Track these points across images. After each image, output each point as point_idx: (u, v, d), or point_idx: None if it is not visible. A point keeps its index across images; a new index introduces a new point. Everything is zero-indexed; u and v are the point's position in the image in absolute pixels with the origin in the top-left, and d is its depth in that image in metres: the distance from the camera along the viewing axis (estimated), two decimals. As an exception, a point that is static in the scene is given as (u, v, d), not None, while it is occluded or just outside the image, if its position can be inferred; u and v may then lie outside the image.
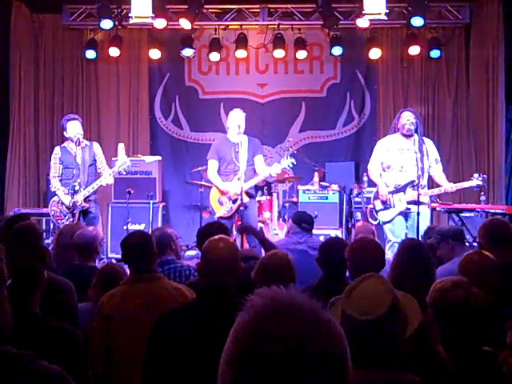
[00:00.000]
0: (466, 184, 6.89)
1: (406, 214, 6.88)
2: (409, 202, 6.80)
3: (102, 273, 3.92)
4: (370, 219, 7.23)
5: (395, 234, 6.79)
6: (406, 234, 6.85)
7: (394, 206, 6.89)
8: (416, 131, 6.75)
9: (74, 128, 7.16)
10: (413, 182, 6.70)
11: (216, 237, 2.98)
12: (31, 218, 5.46)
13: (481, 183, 6.77)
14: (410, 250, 4.03)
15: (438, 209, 7.82)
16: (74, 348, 2.47)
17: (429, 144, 6.99)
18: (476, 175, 6.85)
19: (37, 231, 4.41)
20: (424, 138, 6.96)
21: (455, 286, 2.78)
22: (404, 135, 6.91)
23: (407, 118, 6.84)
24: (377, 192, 7.07)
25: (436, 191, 6.90)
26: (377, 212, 7.04)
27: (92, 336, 3.32)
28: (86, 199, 7.07)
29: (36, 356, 1.71)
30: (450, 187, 6.83)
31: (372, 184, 7.61)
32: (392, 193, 6.91)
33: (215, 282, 2.80)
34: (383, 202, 6.95)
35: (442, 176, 7.00)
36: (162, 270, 4.35)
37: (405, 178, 6.86)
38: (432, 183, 7.31)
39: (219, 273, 2.79)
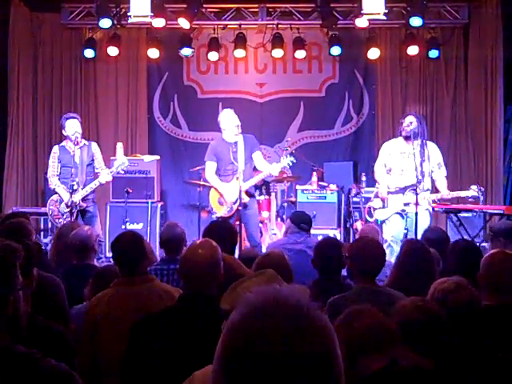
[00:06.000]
0: (462, 193, 6.96)
1: (404, 215, 6.96)
2: (406, 204, 6.89)
3: (98, 273, 3.90)
4: (367, 216, 7.31)
5: (390, 233, 6.92)
6: (406, 234, 6.91)
7: (389, 206, 7.02)
8: (420, 135, 6.84)
9: (72, 127, 7.15)
10: (413, 185, 6.77)
11: (198, 241, 2.97)
12: (29, 217, 5.43)
13: (477, 194, 6.84)
14: (413, 252, 4.05)
15: (436, 209, 7.85)
16: (61, 347, 2.46)
17: (432, 148, 7.05)
18: (474, 187, 6.92)
19: (25, 229, 4.38)
20: (428, 142, 7.03)
21: (459, 288, 2.77)
22: (404, 138, 6.99)
23: (409, 121, 6.91)
24: (377, 191, 7.20)
25: (433, 197, 6.97)
26: (374, 210, 7.16)
27: (81, 338, 3.30)
28: (84, 198, 7.07)
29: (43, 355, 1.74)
30: (447, 194, 6.92)
31: (370, 184, 7.67)
32: (391, 193, 7.02)
33: (192, 288, 2.80)
34: (382, 201, 7.07)
35: (442, 181, 7.06)
36: (168, 268, 4.37)
37: (405, 181, 6.96)
38: (433, 187, 7.34)
39: (196, 279, 2.78)
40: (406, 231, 6.92)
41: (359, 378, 1.97)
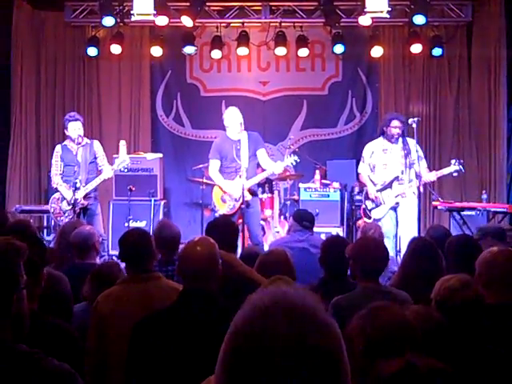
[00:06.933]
0: (445, 171, 7.19)
1: (395, 208, 7.24)
2: (397, 196, 7.19)
3: (96, 271, 3.88)
4: (364, 218, 7.41)
5: (384, 229, 7.00)
6: (397, 231, 7.20)
7: (385, 203, 7.24)
8: (403, 134, 7.20)
9: (74, 129, 7.25)
10: (397, 177, 7.17)
11: (195, 239, 2.97)
12: (32, 215, 5.46)
13: (458, 168, 7.05)
14: (421, 249, 4.03)
15: (439, 207, 7.86)
16: (70, 347, 2.46)
17: (412, 143, 7.27)
18: (453, 161, 7.16)
19: (31, 228, 4.41)
20: (407, 138, 7.26)
21: (465, 286, 2.75)
22: (390, 142, 7.29)
23: (397, 131, 7.21)
24: (366, 192, 7.44)
25: (421, 182, 7.12)
26: (369, 211, 7.37)
27: (87, 334, 3.30)
28: (86, 196, 7.11)
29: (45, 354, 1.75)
30: (432, 176, 7.15)
31: (363, 183, 7.79)
32: (380, 190, 7.28)
33: (191, 286, 2.81)
34: (373, 201, 7.32)
35: (424, 171, 7.24)
36: (166, 270, 4.33)
37: (389, 174, 7.26)
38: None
39: (195, 277, 2.79)
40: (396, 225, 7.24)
41: (376, 381, 1.95)
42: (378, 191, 7.28)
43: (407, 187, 7.10)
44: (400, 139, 7.21)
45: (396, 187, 7.19)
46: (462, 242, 4.40)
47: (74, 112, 7.67)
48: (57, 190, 7.26)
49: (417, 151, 7.19)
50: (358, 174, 7.80)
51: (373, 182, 7.38)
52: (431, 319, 2.44)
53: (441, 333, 2.41)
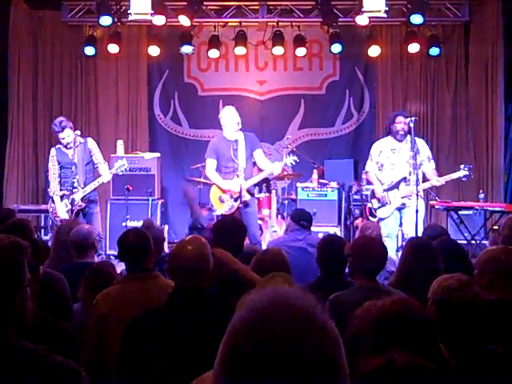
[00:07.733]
0: (453, 175, 7.19)
1: (400, 209, 7.21)
2: (404, 197, 7.15)
3: (90, 272, 3.88)
4: (370, 217, 7.38)
5: (388, 229, 7.08)
6: (403, 231, 7.16)
7: (390, 203, 7.21)
8: (409, 132, 7.06)
9: (63, 137, 7.25)
10: (405, 178, 7.12)
11: (187, 238, 2.98)
12: (30, 215, 5.46)
13: (467, 173, 7.06)
14: (419, 249, 4.04)
15: (436, 206, 7.87)
16: (66, 345, 2.47)
17: (420, 143, 7.26)
18: (462, 166, 7.16)
19: (28, 227, 4.40)
20: (416, 138, 7.17)
21: (463, 286, 2.75)
22: (397, 139, 7.27)
23: (402, 127, 7.19)
24: (372, 191, 7.39)
25: (427, 185, 7.15)
26: (375, 210, 7.32)
27: (86, 334, 3.30)
28: (84, 197, 7.13)
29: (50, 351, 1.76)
30: (439, 180, 7.13)
31: (370, 182, 7.76)
32: (387, 190, 7.24)
33: (183, 285, 2.81)
34: (379, 200, 7.27)
35: (432, 173, 7.26)
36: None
37: (397, 174, 7.21)
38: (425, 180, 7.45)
39: (186, 276, 2.80)
40: (400, 227, 7.19)
41: (355, 379, 1.94)
42: (384, 191, 7.25)
43: (414, 188, 7.00)
44: (408, 138, 7.15)
45: (403, 188, 7.15)
46: (447, 245, 4.43)
47: (62, 118, 7.46)
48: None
49: (426, 151, 7.21)
50: (365, 172, 7.77)
51: (380, 181, 7.34)
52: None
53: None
